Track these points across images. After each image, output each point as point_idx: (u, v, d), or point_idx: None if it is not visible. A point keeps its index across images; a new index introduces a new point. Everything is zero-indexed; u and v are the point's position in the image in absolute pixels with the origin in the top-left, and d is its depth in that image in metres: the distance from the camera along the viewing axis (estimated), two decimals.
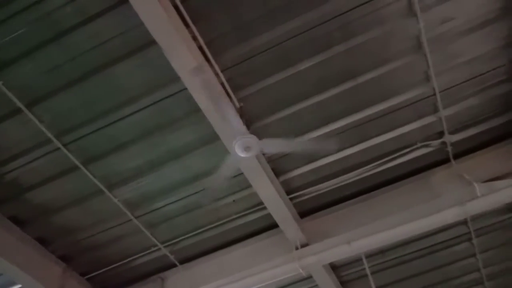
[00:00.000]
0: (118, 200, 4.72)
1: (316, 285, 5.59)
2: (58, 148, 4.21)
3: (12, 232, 4.76)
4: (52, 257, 5.22)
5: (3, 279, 5.34)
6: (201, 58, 3.65)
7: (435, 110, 4.37)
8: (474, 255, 5.76)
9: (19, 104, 3.85)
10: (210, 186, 3.91)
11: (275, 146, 3.57)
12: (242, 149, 3.47)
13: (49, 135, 4.09)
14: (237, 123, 3.33)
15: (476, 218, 5.27)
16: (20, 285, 5.29)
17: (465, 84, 4.22)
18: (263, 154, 4.41)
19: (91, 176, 4.46)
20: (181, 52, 3.36)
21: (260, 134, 3.68)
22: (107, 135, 4.20)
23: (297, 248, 4.76)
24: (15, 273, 4.76)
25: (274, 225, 5.04)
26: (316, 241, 4.80)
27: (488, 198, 4.19)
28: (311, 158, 4.63)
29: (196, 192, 4.78)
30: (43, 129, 4.04)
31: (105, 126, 4.13)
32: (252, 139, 3.36)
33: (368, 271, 5.19)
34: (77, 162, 4.32)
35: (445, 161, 4.77)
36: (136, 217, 4.93)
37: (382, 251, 5.53)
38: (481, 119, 4.50)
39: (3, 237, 4.65)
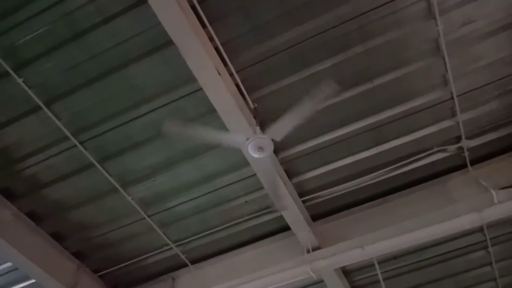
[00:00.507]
0: (132, 199, 4.76)
1: None
2: (75, 146, 4.27)
3: (28, 227, 4.84)
4: (66, 253, 5.29)
5: (18, 273, 5.43)
6: (217, 58, 3.67)
7: (453, 114, 4.30)
8: (490, 263, 5.64)
9: (38, 101, 3.92)
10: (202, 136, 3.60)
11: (282, 127, 3.35)
12: (255, 150, 3.46)
13: (67, 132, 4.15)
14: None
15: (492, 226, 5.16)
16: (34, 280, 5.39)
17: (484, 88, 4.15)
18: (276, 155, 4.40)
19: (106, 174, 4.51)
20: (197, 52, 3.38)
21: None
22: (123, 133, 4.24)
23: (308, 251, 4.73)
24: (30, 268, 4.83)
25: (286, 228, 5.01)
26: (328, 244, 4.76)
27: (505, 205, 4.10)
28: (326, 160, 4.60)
29: (209, 192, 4.79)
30: (61, 126, 4.11)
31: (121, 125, 4.18)
32: (265, 139, 3.34)
33: (380, 277, 5.12)
34: (93, 160, 4.37)
35: (462, 166, 4.69)
36: (149, 216, 4.97)
37: (395, 257, 5.45)
38: (500, 124, 4.41)
39: (19, 232, 4.73)
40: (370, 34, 3.73)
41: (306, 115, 3.22)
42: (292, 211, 4.62)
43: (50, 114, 4.01)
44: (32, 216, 4.86)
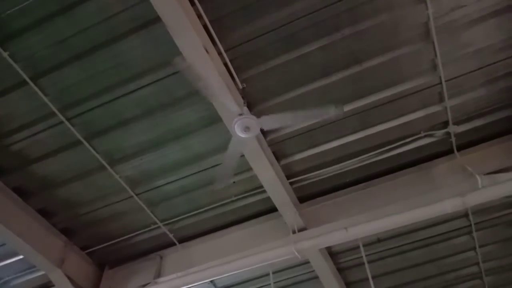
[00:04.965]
0: (119, 177, 4.77)
1: (313, 271, 5.62)
2: (62, 122, 4.25)
3: (15, 203, 4.83)
4: (54, 230, 5.30)
5: (6, 249, 5.45)
6: (206, 36, 3.64)
7: (441, 99, 4.32)
8: (474, 248, 5.75)
9: (24, 76, 3.88)
10: (219, 173, 3.89)
11: (275, 121, 3.48)
12: (242, 130, 3.47)
13: (53, 108, 4.12)
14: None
15: (477, 211, 5.25)
16: (21, 256, 5.42)
17: (473, 74, 4.15)
18: (264, 137, 4.41)
19: (93, 151, 4.50)
20: (185, 29, 3.35)
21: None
22: (110, 110, 4.22)
23: (294, 232, 4.78)
24: (18, 244, 4.84)
25: (273, 209, 5.06)
26: (314, 226, 4.81)
27: (489, 190, 4.14)
28: (313, 143, 4.62)
29: (196, 172, 4.81)
30: (48, 102, 4.08)
31: (109, 102, 4.15)
32: (252, 119, 3.35)
33: (365, 260, 5.19)
34: (80, 137, 4.36)
35: (448, 152, 4.73)
36: (137, 194, 4.98)
37: (379, 240, 5.53)
38: (487, 111, 4.44)
39: (7, 208, 4.72)
40: (360, 16, 3.70)
41: (302, 123, 3.24)
42: (280, 193, 4.66)
43: (36, 89, 3.97)
44: (19, 192, 4.85)
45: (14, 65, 3.81)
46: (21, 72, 3.86)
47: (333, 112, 3.34)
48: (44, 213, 5.14)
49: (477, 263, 5.94)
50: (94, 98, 4.12)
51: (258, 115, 3.42)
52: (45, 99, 4.05)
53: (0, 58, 3.77)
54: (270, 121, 3.46)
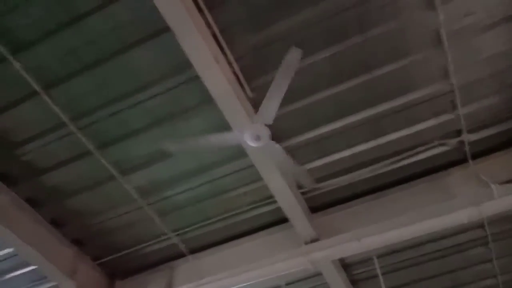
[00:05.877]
0: (130, 187, 4.76)
1: (326, 283, 5.52)
2: (73, 132, 4.27)
3: (27, 213, 4.85)
4: (65, 241, 5.31)
5: (17, 259, 5.46)
6: (215, 45, 3.64)
7: (454, 107, 4.24)
8: (490, 260, 5.60)
9: (35, 86, 3.92)
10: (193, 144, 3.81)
11: (269, 110, 3.34)
12: (253, 139, 3.44)
13: (64, 118, 4.15)
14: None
15: (494, 221, 5.11)
16: (33, 267, 5.42)
17: (486, 81, 4.08)
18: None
19: (104, 161, 4.51)
20: (194, 39, 3.35)
21: (272, 125, 3.63)
22: (120, 120, 4.24)
23: (306, 243, 4.71)
24: (30, 254, 4.86)
25: (284, 219, 5.00)
26: (326, 236, 4.73)
27: (505, 200, 4.04)
28: (324, 152, 4.57)
29: (207, 182, 4.79)
30: (59, 112, 4.11)
31: (119, 112, 4.17)
32: (260, 127, 3.32)
33: (379, 271, 5.10)
34: (90, 147, 4.38)
35: (462, 161, 4.63)
36: (147, 205, 4.97)
37: (394, 251, 5.42)
38: (501, 118, 4.34)
39: (18, 218, 4.74)
40: (369, 24, 3.67)
41: (285, 88, 3.18)
42: (291, 203, 4.60)
43: (48, 99, 4.00)
44: (31, 202, 4.88)
45: (26, 75, 3.85)
46: (32, 82, 3.89)
47: (295, 56, 3.13)
48: (56, 223, 5.15)
49: (495, 276, 5.77)
50: (104, 108, 4.15)
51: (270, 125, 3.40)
52: (56, 109, 4.09)
53: (12, 69, 3.81)
54: (265, 112, 3.34)
